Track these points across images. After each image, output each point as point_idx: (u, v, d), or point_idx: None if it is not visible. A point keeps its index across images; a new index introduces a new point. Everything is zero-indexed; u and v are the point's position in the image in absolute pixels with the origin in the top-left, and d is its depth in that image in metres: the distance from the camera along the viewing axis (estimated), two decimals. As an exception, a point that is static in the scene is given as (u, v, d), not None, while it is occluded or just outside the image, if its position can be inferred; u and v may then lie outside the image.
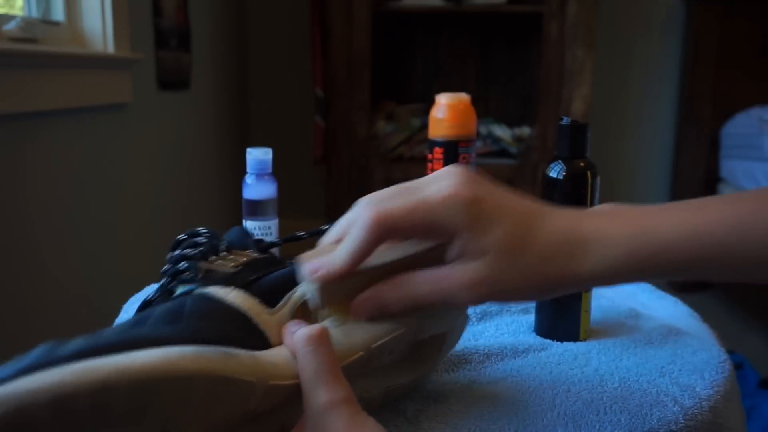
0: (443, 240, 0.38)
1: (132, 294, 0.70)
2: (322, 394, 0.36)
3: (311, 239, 0.50)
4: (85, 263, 1.35)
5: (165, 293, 0.42)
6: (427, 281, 0.39)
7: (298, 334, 0.38)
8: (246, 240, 0.47)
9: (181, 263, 0.43)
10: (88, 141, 1.36)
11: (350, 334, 0.41)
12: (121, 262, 1.49)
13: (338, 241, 0.40)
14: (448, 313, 0.46)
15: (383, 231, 0.37)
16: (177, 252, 0.45)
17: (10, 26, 1.19)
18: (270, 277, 0.43)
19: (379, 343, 0.41)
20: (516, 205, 0.39)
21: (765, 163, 1.89)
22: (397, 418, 0.45)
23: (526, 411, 0.46)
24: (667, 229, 0.38)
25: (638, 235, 0.38)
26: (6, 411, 0.29)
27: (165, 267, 0.45)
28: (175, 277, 0.43)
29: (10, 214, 1.12)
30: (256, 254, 0.45)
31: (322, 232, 0.50)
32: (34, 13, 1.33)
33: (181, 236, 0.46)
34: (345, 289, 0.39)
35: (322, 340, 0.38)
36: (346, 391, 0.37)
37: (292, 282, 0.43)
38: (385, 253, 0.39)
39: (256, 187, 0.74)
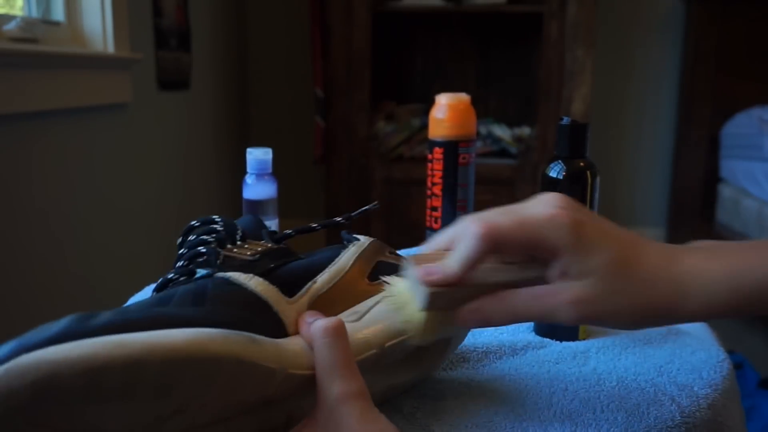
0: (546, 257, 0.39)
1: (132, 293, 0.70)
2: (336, 386, 0.36)
3: (324, 230, 0.50)
4: (85, 263, 1.35)
5: (184, 274, 0.42)
6: (531, 297, 0.39)
7: (316, 325, 0.38)
8: (260, 230, 0.47)
9: (200, 247, 0.43)
10: (88, 141, 1.36)
11: (366, 331, 0.41)
12: (121, 261, 1.49)
13: (443, 250, 0.41)
14: None
15: (492, 243, 0.38)
16: (193, 237, 0.44)
17: (10, 26, 1.19)
18: (288, 266, 0.43)
19: (393, 342, 0.41)
20: (617, 232, 0.40)
21: (765, 163, 1.89)
22: (393, 414, 0.45)
23: (523, 409, 0.46)
24: (766, 266, 0.38)
25: (740, 274, 0.38)
26: (40, 376, 0.29)
27: (182, 250, 0.44)
28: (193, 260, 0.43)
29: (10, 213, 1.12)
30: (270, 244, 0.45)
31: (336, 224, 0.50)
32: (34, 13, 1.33)
33: (194, 222, 0.46)
34: (450, 297, 0.40)
35: (339, 332, 0.38)
36: (360, 386, 0.37)
37: (309, 273, 0.43)
38: (491, 274, 0.41)
39: (256, 187, 0.74)
